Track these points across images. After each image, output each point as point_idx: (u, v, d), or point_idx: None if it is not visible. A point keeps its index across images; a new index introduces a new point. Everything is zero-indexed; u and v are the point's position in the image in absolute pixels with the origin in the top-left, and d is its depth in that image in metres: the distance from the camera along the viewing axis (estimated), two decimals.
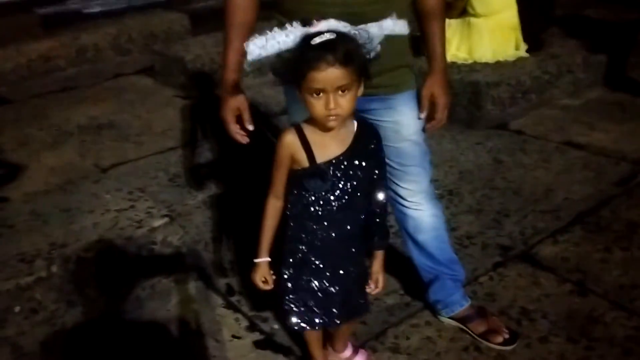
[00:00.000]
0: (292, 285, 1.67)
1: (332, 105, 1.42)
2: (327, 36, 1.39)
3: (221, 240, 2.66)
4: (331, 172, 1.53)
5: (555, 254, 2.44)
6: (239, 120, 1.77)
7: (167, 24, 5.44)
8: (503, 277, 2.34)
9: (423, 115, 1.84)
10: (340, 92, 1.42)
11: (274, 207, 1.63)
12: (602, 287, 2.23)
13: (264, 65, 4.23)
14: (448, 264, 2.05)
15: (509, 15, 3.75)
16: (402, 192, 1.92)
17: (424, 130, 1.89)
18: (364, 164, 1.56)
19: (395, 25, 1.51)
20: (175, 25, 5.47)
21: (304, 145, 1.52)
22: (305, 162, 1.53)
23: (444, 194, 2.93)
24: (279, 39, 1.43)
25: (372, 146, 1.59)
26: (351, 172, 1.55)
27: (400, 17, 1.68)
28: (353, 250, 1.66)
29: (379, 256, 1.70)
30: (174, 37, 5.32)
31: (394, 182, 1.91)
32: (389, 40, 1.70)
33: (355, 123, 1.57)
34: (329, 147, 1.53)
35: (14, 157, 3.26)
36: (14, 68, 4.66)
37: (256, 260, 1.67)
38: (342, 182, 1.55)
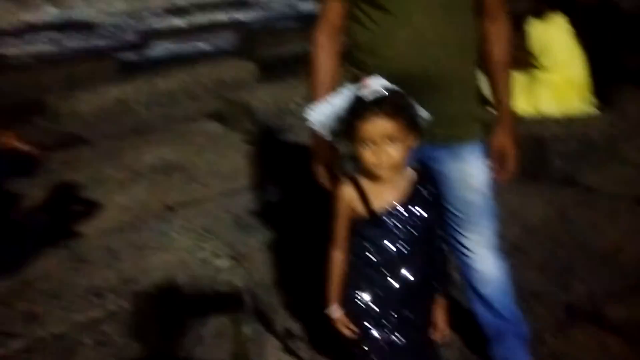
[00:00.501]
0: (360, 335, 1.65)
1: (381, 155, 1.48)
2: (378, 92, 1.47)
3: (282, 283, 2.69)
4: (388, 220, 1.56)
5: (624, 316, 2.34)
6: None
7: (236, 71, 5.69)
8: (569, 337, 2.26)
9: (492, 166, 1.85)
10: (388, 142, 1.47)
11: (337, 259, 1.66)
12: None
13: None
14: (512, 320, 2.00)
15: (576, 70, 3.72)
16: (466, 242, 1.91)
17: (491, 181, 1.89)
18: (421, 211, 1.58)
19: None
20: (243, 72, 5.71)
21: (360, 195, 1.57)
22: (362, 212, 1.57)
23: (508, 248, 2.85)
24: (334, 102, 1.52)
25: (430, 194, 1.61)
26: (409, 220, 1.57)
27: (470, 70, 1.74)
28: (415, 299, 1.65)
29: (440, 302, 1.70)
30: (242, 84, 5.54)
31: (458, 233, 1.90)
32: (459, 90, 1.75)
33: (413, 171, 1.61)
34: (385, 195, 1.56)
35: (90, 194, 3.43)
36: (93, 110, 4.96)
37: (330, 313, 1.67)
38: (400, 230, 1.57)
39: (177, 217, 3.02)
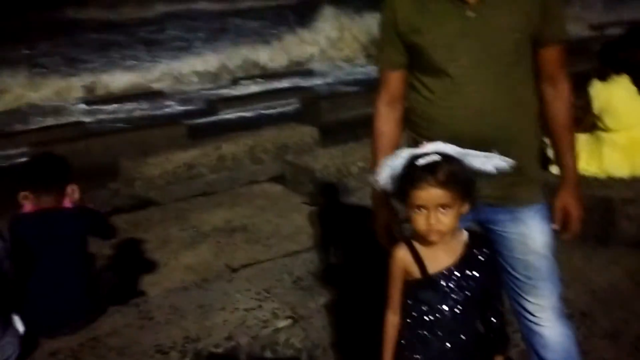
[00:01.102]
0: None
1: (432, 221, 1.51)
2: (432, 157, 1.50)
3: (340, 345, 2.68)
4: (443, 282, 1.57)
5: None
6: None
7: (298, 136, 5.85)
8: None
9: (556, 227, 1.83)
10: (440, 209, 1.50)
11: (392, 322, 1.67)
12: None
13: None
14: None
15: None
16: (529, 307, 1.88)
17: (554, 245, 1.87)
18: (475, 273, 1.58)
19: (500, 162, 1.56)
20: (305, 137, 5.87)
21: (415, 257, 1.59)
22: (417, 274, 1.59)
23: (575, 314, 2.76)
24: (394, 164, 1.56)
25: (484, 256, 1.62)
26: (463, 282, 1.58)
27: (528, 133, 1.76)
28: (470, 358, 1.63)
29: None
30: (304, 148, 5.69)
31: (520, 296, 1.88)
32: (517, 153, 1.76)
33: (466, 233, 1.62)
34: (439, 258, 1.58)
35: (158, 254, 3.56)
36: (162, 174, 5.20)
37: None
38: (454, 293, 1.58)
39: (239, 277, 3.08)
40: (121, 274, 3.29)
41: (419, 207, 1.52)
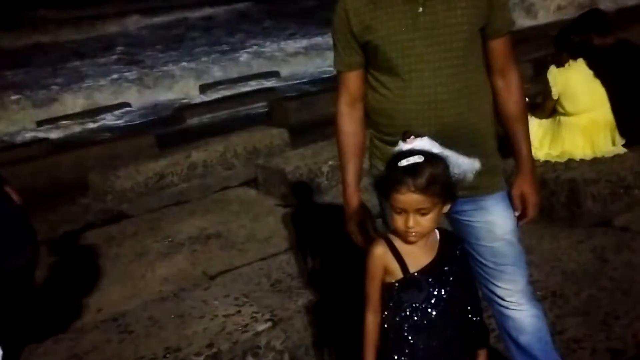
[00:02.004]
0: None
1: (411, 224, 1.52)
2: (414, 159, 1.50)
3: (321, 345, 2.71)
4: (425, 281, 1.59)
5: None
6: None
7: (268, 138, 5.86)
8: None
9: (517, 214, 1.89)
10: (420, 213, 1.52)
11: (373, 322, 1.65)
12: None
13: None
14: None
15: (602, 112, 3.75)
16: (499, 292, 1.93)
17: (518, 229, 1.93)
18: (453, 269, 1.62)
19: (473, 165, 1.61)
20: (275, 139, 5.87)
21: (395, 255, 1.60)
22: (398, 273, 1.59)
23: (547, 295, 2.84)
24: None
25: (458, 251, 1.66)
26: (443, 279, 1.60)
27: (486, 122, 1.82)
28: (455, 354, 1.66)
29: (481, 355, 1.72)
30: (275, 150, 5.70)
31: (490, 282, 1.93)
32: (477, 144, 1.81)
33: (437, 231, 1.65)
34: (418, 256, 1.60)
35: (133, 267, 3.55)
36: (133, 186, 5.15)
37: None
38: (436, 290, 1.60)
39: (217, 284, 3.09)
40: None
41: (399, 209, 1.52)
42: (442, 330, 1.62)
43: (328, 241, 3.53)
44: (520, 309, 1.93)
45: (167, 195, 5.03)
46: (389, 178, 1.52)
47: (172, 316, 2.55)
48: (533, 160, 1.96)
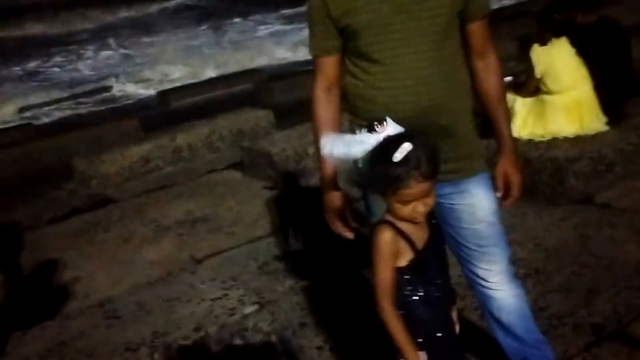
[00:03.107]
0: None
1: (421, 209, 1.54)
2: (405, 148, 1.47)
3: (309, 326, 2.74)
4: (429, 254, 1.63)
5: None
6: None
7: (253, 120, 5.84)
8: (597, 357, 2.26)
9: (499, 195, 1.90)
10: (425, 197, 1.53)
11: (394, 312, 1.58)
12: None
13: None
14: (536, 345, 2.01)
15: (584, 90, 3.77)
16: (481, 273, 1.95)
17: (499, 210, 1.94)
18: (437, 238, 1.68)
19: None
20: (261, 121, 5.86)
21: (404, 237, 1.59)
22: (409, 253, 1.59)
23: (531, 272, 2.88)
24: (351, 146, 1.54)
25: (434, 221, 1.70)
26: (439, 249, 1.67)
27: (466, 104, 1.83)
28: (448, 311, 1.73)
29: (455, 312, 1.79)
30: (260, 132, 5.69)
31: (472, 264, 1.95)
32: (457, 127, 1.82)
33: None
34: (419, 233, 1.62)
35: (120, 252, 3.55)
36: (119, 170, 5.13)
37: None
38: (437, 261, 1.66)
39: (204, 268, 3.11)
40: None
41: (408, 201, 1.52)
42: (444, 298, 1.67)
43: (315, 223, 3.55)
44: (502, 289, 1.95)
45: (153, 179, 5.02)
46: (390, 176, 1.49)
47: (160, 301, 2.56)
48: (514, 140, 1.98)
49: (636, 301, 2.55)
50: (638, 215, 3.23)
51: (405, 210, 1.54)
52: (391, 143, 1.50)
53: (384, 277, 1.58)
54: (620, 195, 3.47)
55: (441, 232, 1.74)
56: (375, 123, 1.53)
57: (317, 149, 1.90)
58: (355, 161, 1.57)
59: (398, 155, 1.47)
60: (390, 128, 1.54)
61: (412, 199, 1.52)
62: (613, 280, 2.71)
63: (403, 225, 1.60)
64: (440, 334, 1.66)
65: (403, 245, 1.59)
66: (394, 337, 1.58)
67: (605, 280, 2.73)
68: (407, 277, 1.61)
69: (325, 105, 1.89)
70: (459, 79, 1.83)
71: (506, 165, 1.92)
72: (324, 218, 1.95)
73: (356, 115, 1.87)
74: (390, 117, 1.57)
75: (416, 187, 1.49)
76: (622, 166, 3.62)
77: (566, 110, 3.75)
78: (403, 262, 1.60)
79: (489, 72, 1.87)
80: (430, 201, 1.55)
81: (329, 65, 1.86)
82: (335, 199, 1.91)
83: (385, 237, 1.57)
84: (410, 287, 1.61)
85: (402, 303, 1.62)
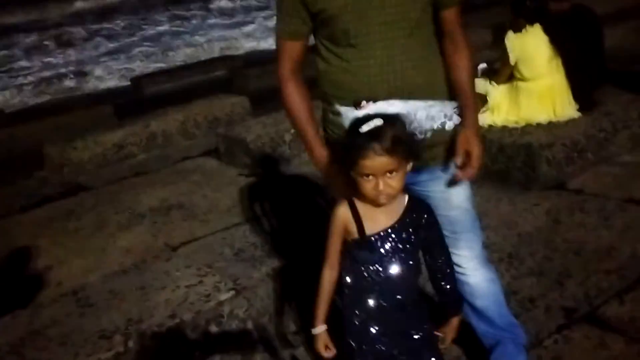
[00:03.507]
0: (356, 351, 1.70)
1: (381, 187, 1.53)
2: (374, 122, 1.50)
3: (285, 312, 2.74)
4: (379, 244, 1.61)
5: (622, 314, 2.39)
6: None
7: (229, 107, 5.79)
8: (568, 340, 2.30)
9: (459, 162, 1.84)
10: (388, 174, 1.53)
11: (328, 277, 1.71)
12: None
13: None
14: (508, 328, 2.05)
15: (557, 77, 3.81)
16: (456, 259, 1.96)
17: (472, 196, 1.96)
18: (413, 237, 1.63)
19: (444, 107, 1.60)
20: (236, 107, 5.81)
21: (355, 217, 1.62)
22: (355, 234, 1.63)
23: (504, 257, 2.92)
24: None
25: (424, 220, 1.66)
26: (400, 245, 1.62)
27: (440, 90, 1.82)
28: (411, 317, 1.70)
29: (453, 322, 1.75)
30: (236, 118, 5.64)
31: None
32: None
33: (407, 197, 1.66)
34: (378, 219, 1.62)
35: (93, 240, 3.50)
36: (91, 157, 5.05)
37: (314, 331, 1.74)
38: (390, 254, 1.62)
39: (179, 255, 3.08)
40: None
41: (367, 174, 1.52)
42: (392, 293, 1.65)
43: (291, 210, 3.55)
44: (475, 274, 1.98)
45: (127, 167, 4.95)
46: (352, 145, 1.52)
47: (134, 288, 2.53)
48: (477, 115, 1.93)
49: (606, 284, 2.60)
50: (609, 200, 3.29)
51: (367, 186, 1.54)
52: (366, 118, 1.52)
53: (328, 246, 1.68)
54: (591, 181, 3.53)
55: (433, 234, 1.68)
56: (363, 101, 1.53)
57: (298, 128, 1.88)
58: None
59: (365, 127, 1.50)
60: (373, 108, 1.55)
61: (371, 173, 1.51)
62: (584, 264, 2.77)
63: (362, 206, 1.62)
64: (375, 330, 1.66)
65: (351, 224, 1.62)
66: (316, 300, 1.71)
67: (576, 264, 2.78)
68: (350, 252, 1.66)
69: (295, 84, 1.87)
70: (435, 67, 1.84)
71: (468, 136, 1.86)
72: (331, 190, 1.86)
73: (331, 102, 1.86)
74: (367, 93, 1.58)
75: (375, 159, 1.49)
76: (593, 152, 3.68)
77: (539, 96, 3.79)
78: (350, 238, 1.65)
79: (458, 50, 1.86)
80: (394, 183, 1.54)
81: (296, 49, 1.85)
82: (332, 164, 1.82)
83: (338, 211, 1.64)
84: (349, 263, 1.67)
85: (343, 275, 1.68)
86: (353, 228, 1.63)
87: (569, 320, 2.42)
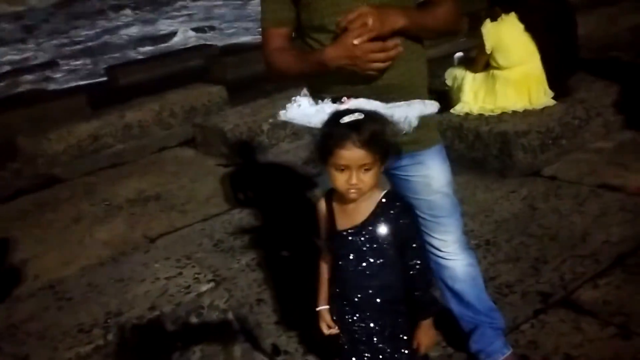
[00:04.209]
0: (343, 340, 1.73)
1: (353, 180, 1.52)
2: (355, 116, 1.50)
3: (265, 302, 2.75)
4: (350, 238, 1.62)
5: (596, 298, 2.44)
6: None
7: (205, 96, 5.74)
8: (544, 324, 2.35)
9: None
10: (363, 169, 1.52)
11: (324, 265, 1.79)
12: None
13: (299, 130, 4.42)
14: (487, 312, 2.08)
15: (532, 65, 3.85)
16: (436, 243, 1.99)
17: (452, 182, 1.98)
18: (386, 232, 1.60)
19: (425, 107, 1.60)
20: (213, 97, 5.77)
21: (328, 212, 1.66)
22: (328, 229, 1.67)
23: (481, 243, 2.96)
24: (312, 114, 1.55)
25: (397, 220, 1.61)
26: (371, 241, 1.61)
27: (422, 77, 1.83)
28: (385, 314, 1.67)
29: (421, 325, 1.69)
30: (213, 108, 5.61)
31: (427, 234, 1.98)
32: (415, 98, 1.82)
33: (382, 194, 1.63)
34: (351, 215, 1.62)
35: (69, 233, 3.46)
36: (66, 149, 4.98)
37: (317, 309, 1.79)
38: (361, 250, 1.62)
39: (157, 247, 3.07)
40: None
41: (341, 166, 1.52)
42: (363, 288, 1.65)
43: (270, 200, 3.55)
44: (455, 259, 2.01)
45: (102, 158, 4.89)
46: (331, 134, 1.51)
47: (112, 281, 2.50)
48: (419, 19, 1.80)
49: (581, 269, 2.65)
50: (583, 187, 3.35)
51: (340, 179, 1.53)
52: (346, 112, 1.52)
53: (320, 236, 1.74)
54: (566, 168, 3.59)
55: (404, 230, 1.62)
56: (344, 97, 1.53)
57: (298, 61, 1.81)
58: (314, 134, 1.57)
59: (346, 119, 1.50)
60: (354, 104, 1.54)
61: (345, 164, 1.50)
62: (559, 250, 2.81)
63: (336, 201, 1.65)
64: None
65: (326, 219, 1.67)
66: (316, 284, 1.78)
67: (552, 249, 2.83)
68: (328, 244, 1.71)
69: (284, 49, 1.83)
70: (416, 56, 1.85)
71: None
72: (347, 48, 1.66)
73: (315, 91, 1.85)
74: (346, 90, 1.57)
75: (352, 150, 1.49)
76: (567, 139, 3.73)
77: (515, 85, 3.82)
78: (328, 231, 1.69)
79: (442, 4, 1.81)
80: (366, 179, 1.53)
81: (281, 36, 1.84)
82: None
83: (318, 205, 1.71)
84: (328, 255, 1.73)
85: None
86: (326, 222, 1.68)
87: (545, 304, 2.46)
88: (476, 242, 2.92)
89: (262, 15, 1.87)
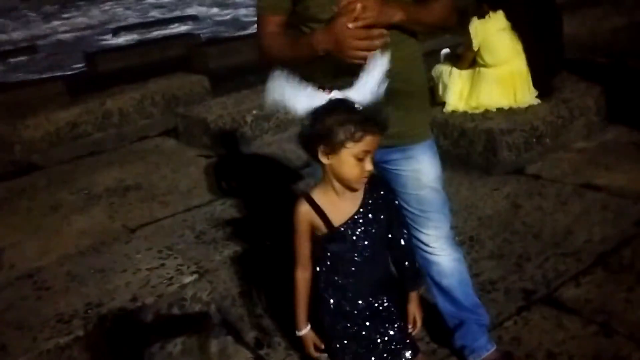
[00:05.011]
0: (331, 332, 1.70)
1: (370, 166, 1.52)
2: (359, 107, 1.48)
3: (248, 294, 2.72)
4: (350, 232, 1.60)
5: (578, 296, 2.46)
6: None
7: (188, 86, 5.66)
8: (527, 321, 2.36)
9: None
10: (368, 157, 1.51)
11: (303, 279, 1.68)
12: (627, 327, 2.24)
13: (283, 122, 4.39)
14: (472, 309, 2.09)
15: (518, 63, 3.86)
16: (424, 238, 1.99)
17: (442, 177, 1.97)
18: (379, 216, 1.63)
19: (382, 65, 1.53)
20: (196, 87, 5.69)
21: (317, 212, 1.60)
22: (324, 229, 1.61)
23: (465, 240, 2.97)
24: (298, 98, 1.50)
25: (383, 198, 1.66)
26: (369, 227, 1.62)
27: (416, 72, 1.83)
28: (384, 294, 1.70)
29: (412, 297, 1.76)
30: (195, 98, 5.52)
31: (415, 229, 1.97)
32: (408, 95, 1.81)
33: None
34: (342, 208, 1.61)
35: (47, 221, 3.39)
36: (44, 136, 4.87)
37: (299, 333, 1.72)
38: (361, 239, 1.62)
39: (138, 237, 3.01)
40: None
41: (365, 153, 1.49)
42: (368, 275, 1.65)
43: (252, 191, 3.51)
44: (443, 254, 2.00)
45: (81, 145, 4.80)
46: (351, 121, 1.45)
47: (92, 271, 2.47)
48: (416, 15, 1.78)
49: (563, 267, 2.67)
50: (565, 185, 3.37)
51: (356, 168, 1.50)
52: (341, 102, 1.48)
53: (297, 246, 1.64)
54: (549, 166, 3.61)
55: (391, 210, 1.68)
56: (330, 87, 1.51)
57: (295, 42, 1.77)
58: (303, 123, 1.54)
59: (359, 105, 1.47)
60: (335, 93, 1.51)
61: (369, 149, 1.49)
62: (542, 247, 2.83)
63: (321, 199, 1.59)
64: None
65: (317, 220, 1.60)
66: (295, 303, 1.67)
67: (535, 247, 2.85)
68: (322, 245, 1.63)
69: (280, 36, 1.80)
70: (412, 49, 1.84)
71: None
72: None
73: (309, 81, 1.82)
74: (339, 82, 1.55)
75: (376, 135, 1.48)
76: (551, 138, 3.76)
77: (501, 83, 3.84)
78: (319, 233, 1.62)
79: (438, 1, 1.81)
80: (371, 166, 1.53)
81: (276, 23, 1.82)
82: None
83: (300, 210, 1.60)
84: (321, 255, 1.65)
85: (317, 264, 1.66)
86: (320, 223, 1.61)
87: (527, 302, 2.48)
88: (460, 239, 2.92)
89: (259, 2, 1.84)
